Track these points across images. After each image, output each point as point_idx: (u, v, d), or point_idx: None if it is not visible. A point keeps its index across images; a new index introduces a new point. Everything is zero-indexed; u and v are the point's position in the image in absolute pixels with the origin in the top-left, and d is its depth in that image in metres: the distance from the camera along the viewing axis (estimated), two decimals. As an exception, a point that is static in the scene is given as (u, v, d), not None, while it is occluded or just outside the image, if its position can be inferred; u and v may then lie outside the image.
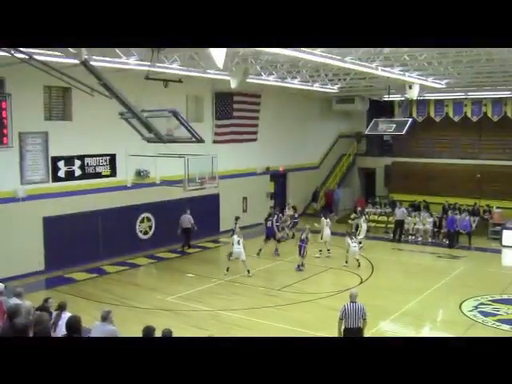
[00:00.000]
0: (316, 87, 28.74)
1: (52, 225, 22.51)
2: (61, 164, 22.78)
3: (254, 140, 32.42)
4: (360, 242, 26.39)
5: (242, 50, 18.53)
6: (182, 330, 15.13)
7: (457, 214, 28.83)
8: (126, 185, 24.30)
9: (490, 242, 29.13)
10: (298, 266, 23.36)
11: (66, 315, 10.98)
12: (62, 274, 22.26)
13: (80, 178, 23.53)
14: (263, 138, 32.78)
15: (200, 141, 15.59)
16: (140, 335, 9.89)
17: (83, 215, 23.53)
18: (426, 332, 17.11)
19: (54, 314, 11.71)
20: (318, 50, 17.05)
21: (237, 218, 24.85)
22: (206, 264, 24.45)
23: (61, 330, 10.72)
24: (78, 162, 23.39)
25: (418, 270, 23.85)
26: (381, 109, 36.05)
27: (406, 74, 23.43)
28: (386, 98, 31.18)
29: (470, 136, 36.56)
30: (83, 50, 13.02)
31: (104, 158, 24.40)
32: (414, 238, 29.79)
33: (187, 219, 26.56)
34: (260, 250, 25.61)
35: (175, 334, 10.21)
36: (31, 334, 8.72)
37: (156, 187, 24.89)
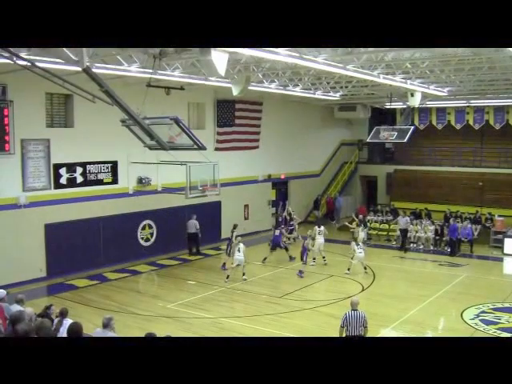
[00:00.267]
0: (318, 95, 28.76)
1: (53, 232, 22.52)
2: (62, 171, 22.79)
3: (256, 147, 32.44)
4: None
5: (243, 58, 18.55)
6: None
7: (458, 222, 28.81)
8: (127, 192, 24.32)
9: (492, 250, 29.08)
10: (300, 271, 23.41)
11: (68, 322, 10.98)
12: (63, 281, 22.26)
13: (82, 185, 23.54)
14: (265, 145, 32.80)
15: (202, 148, 15.60)
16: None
17: (85, 222, 23.55)
18: (428, 340, 17.08)
19: (56, 320, 11.71)
20: (320, 58, 17.06)
21: (234, 226, 24.83)
22: (208, 271, 24.42)
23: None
24: (79, 169, 23.41)
25: (419, 277, 23.78)
26: (383, 116, 36.14)
27: (408, 81, 23.43)
28: (388, 105, 31.20)
29: (472, 144, 36.54)
30: (85, 57, 13.04)
31: (106, 165, 24.42)
32: (415, 245, 29.74)
33: (193, 224, 26.77)
34: (265, 258, 25.76)
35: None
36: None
37: (157, 194, 24.90)
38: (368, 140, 29.97)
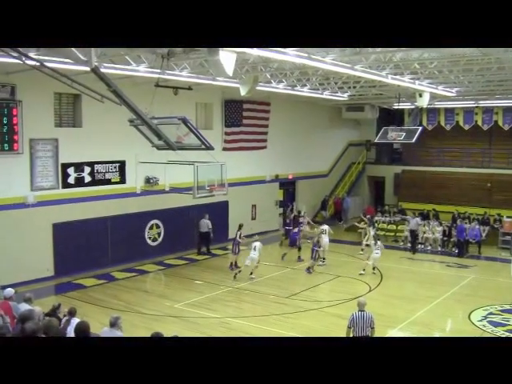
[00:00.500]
0: (326, 95, 28.73)
1: (61, 231, 22.58)
2: (71, 170, 22.86)
3: (264, 148, 32.43)
4: (363, 249, 27.43)
5: (251, 58, 18.55)
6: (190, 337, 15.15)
7: (466, 223, 28.74)
8: (135, 192, 24.33)
9: (500, 252, 28.97)
10: (308, 268, 23.72)
11: (75, 321, 11.00)
12: (70, 280, 22.31)
13: (89, 184, 23.60)
14: (272, 145, 32.79)
15: (209, 148, 15.59)
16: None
17: (92, 222, 23.61)
18: (435, 341, 17.03)
19: (64, 319, 11.74)
20: (328, 58, 17.05)
21: (240, 226, 24.84)
22: (215, 271, 24.43)
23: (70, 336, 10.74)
24: (87, 169, 23.47)
25: (426, 278, 23.71)
26: (391, 117, 36.07)
27: (417, 82, 23.38)
28: (396, 106, 31.19)
29: (480, 145, 36.39)
30: (93, 56, 13.05)
31: (114, 164, 24.48)
32: (423, 246, 29.69)
33: (205, 224, 27.02)
34: (285, 254, 26.35)
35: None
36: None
37: (165, 194, 24.91)
38: (376, 140, 29.90)
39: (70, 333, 10.74)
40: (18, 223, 21.18)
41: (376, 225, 30.90)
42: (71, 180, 22.93)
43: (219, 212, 28.90)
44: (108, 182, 24.35)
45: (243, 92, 21.29)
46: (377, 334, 13.26)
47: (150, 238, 26.47)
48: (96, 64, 13.65)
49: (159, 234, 26.88)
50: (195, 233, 27.55)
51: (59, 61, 15.45)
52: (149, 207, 25.82)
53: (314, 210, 36.82)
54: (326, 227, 25.98)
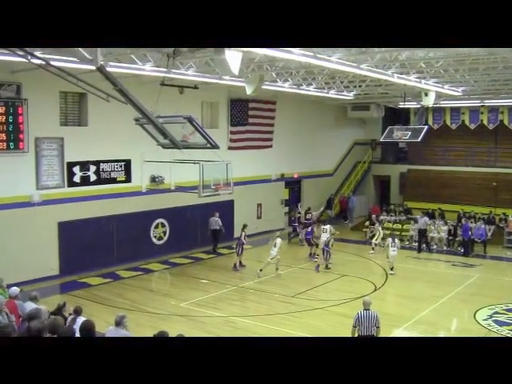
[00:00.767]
0: (331, 94, 28.72)
1: (67, 230, 22.61)
2: (76, 169, 22.88)
3: (269, 147, 32.43)
4: (373, 248, 27.66)
5: (257, 57, 18.54)
6: (196, 336, 15.16)
7: (472, 223, 28.71)
8: (140, 190, 24.32)
9: (506, 251, 28.95)
10: (317, 266, 24.12)
11: (81, 320, 11.01)
12: (76, 279, 22.33)
13: (95, 183, 23.62)
14: (278, 144, 32.78)
15: (215, 147, 15.60)
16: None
17: (98, 220, 23.63)
18: (440, 340, 17.01)
19: (69, 318, 11.76)
20: (333, 57, 17.04)
21: (244, 226, 24.84)
22: (220, 270, 24.43)
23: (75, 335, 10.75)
24: (93, 168, 23.49)
25: (432, 278, 23.67)
26: (396, 116, 36.03)
27: (422, 81, 23.35)
28: (402, 105, 31.13)
29: (486, 144, 36.31)
30: (99, 55, 13.06)
31: (119, 163, 24.50)
32: (426, 246, 29.63)
33: (215, 222, 27.09)
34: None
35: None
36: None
37: (171, 193, 24.91)
38: (381, 139, 29.87)
39: (76, 331, 10.76)
40: (23, 222, 21.21)
41: (382, 224, 30.94)
42: (77, 179, 22.96)
43: (225, 211, 28.88)
44: (113, 180, 24.37)
45: (249, 91, 21.29)
46: (382, 333, 13.25)
47: (155, 236, 26.49)
48: (102, 63, 13.67)
49: (165, 233, 26.90)
50: (199, 232, 27.61)
51: (65, 59, 15.49)
52: (154, 206, 25.84)
53: (319, 209, 36.75)
54: (327, 226, 25.97)
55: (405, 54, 18.20)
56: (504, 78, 23.94)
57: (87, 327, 9.67)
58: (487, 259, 27.39)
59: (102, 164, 23.82)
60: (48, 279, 21.75)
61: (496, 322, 17.86)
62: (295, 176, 34.84)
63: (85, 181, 23.24)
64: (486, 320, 18.00)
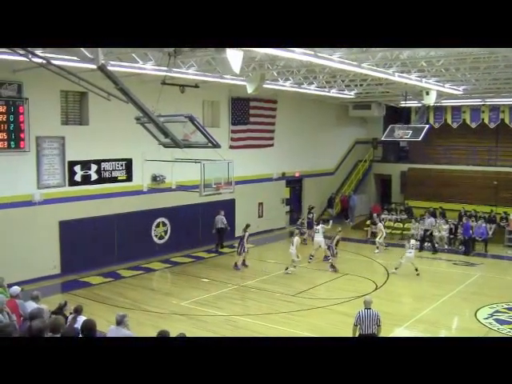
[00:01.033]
0: (333, 93, 28.73)
1: (68, 229, 22.61)
2: (77, 168, 22.88)
3: (271, 145, 32.43)
4: (378, 247, 27.76)
5: (258, 55, 18.54)
6: (197, 335, 15.17)
7: (473, 221, 28.71)
8: (141, 189, 24.31)
9: (507, 250, 28.93)
10: (333, 266, 24.11)
11: (82, 319, 11.01)
12: (77, 278, 22.33)
13: (96, 182, 23.62)
14: (279, 143, 32.78)
15: (216, 146, 15.62)
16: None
17: (99, 219, 23.62)
18: (442, 339, 17.01)
19: (70, 317, 11.75)
20: (334, 56, 17.03)
21: (247, 226, 24.80)
22: (221, 269, 24.42)
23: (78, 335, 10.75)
24: (94, 167, 23.48)
25: (433, 276, 23.66)
26: (397, 115, 35.97)
27: (423, 80, 23.36)
28: (403, 104, 31.11)
29: (487, 143, 36.33)
30: (100, 54, 13.08)
31: (120, 162, 24.50)
32: (428, 244, 29.63)
33: (220, 220, 27.15)
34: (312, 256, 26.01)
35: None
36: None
37: (172, 192, 24.89)
38: (383, 138, 29.90)
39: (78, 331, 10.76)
40: (24, 221, 21.21)
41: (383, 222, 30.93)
42: (78, 178, 22.96)
43: (226, 210, 28.85)
44: (115, 179, 24.37)
45: (250, 90, 21.28)
46: (383, 332, 13.26)
47: (156, 235, 26.50)
48: (103, 62, 13.69)
49: (166, 232, 26.90)
50: (200, 231, 27.70)
51: (66, 58, 15.51)
52: (155, 205, 25.84)
53: (321, 208, 36.76)
54: (319, 227, 25.97)
55: (406, 52, 18.20)
56: (505, 77, 23.93)
57: (88, 326, 9.68)
58: (488, 258, 27.38)
59: (103, 163, 23.82)
60: (49, 278, 21.75)
61: (497, 320, 17.86)
62: (296, 175, 34.83)
63: (86, 180, 23.24)
64: (486, 319, 17.99)
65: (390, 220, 32.56)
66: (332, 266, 24.00)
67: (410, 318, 18.09)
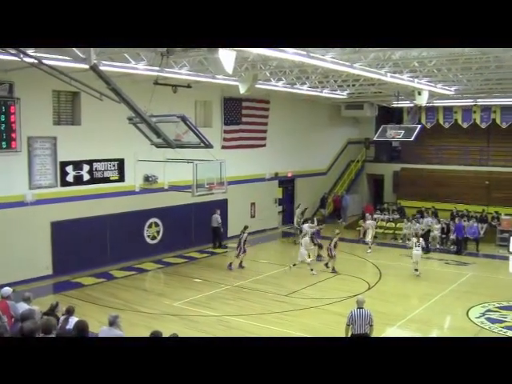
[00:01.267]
0: (325, 93, 28.75)
1: (60, 229, 22.54)
2: (69, 169, 22.82)
3: (263, 146, 32.43)
4: (370, 247, 27.90)
5: (251, 56, 18.53)
6: (190, 335, 15.16)
7: (465, 221, 28.79)
8: (134, 190, 24.28)
9: (498, 249, 29.06)
10: (333, 268, 24.03)
11: (73, 320, 10.99)
12: (69, 279, 22.27)
13: (88, 182, 23.55)
14: (272, 143, 32.77)
15: (208, 146, 15.59)
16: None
17: (91, 220, 23.54)
18: (434, 339, 17.05)
19: (62, 318, 11.72)
20: (327, 56, 17.04)
21: (245, 227, 24.76)
22: (214, 269, 24.42)
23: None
24: (86, 167, 23.42)
25: (425, 276, 23.67)
26: (390, 115, 36.02)
27: (415, 80, 23.40)
28: (395, 104, 31.17)
29: (478, 143, 36.45)
30: (92, 54, 13.05)
31: (112, 162, 24.45)
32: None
33: (215, 219, 27.35)
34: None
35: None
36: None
37: (164, 192, 24.86)
38: (375, 138, 29.89)
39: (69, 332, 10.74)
40: (16, 222, 21.13)
41: (375, 221, 30.97)
42: (70, 178, 22.89)
43: (219, 210, 28.89)
44: (107, 180, 24.31)
45: (242, 90, 21.29)
46: (375, 332, 13.29)
47: (148, 236, 26.45)
48: (95, 62, 13.66)
49: (158, 233, 26.86)
50: (193, 231, 27.73)
51: (58, 58, 15.45)
52: (148, 205, 25.78)
53: (313, 208, 36.77)
54: (305, 225, 25.98)
55: (398, 53, 18.23)
56: (496, 78, 24.01)
57: (80, 327, 9.66)
58: (480, 257, 27.47)
59: (95, 163, 23.75)
60: (41, 279, 21.68)
61: (488, 319, 17.94)
62: (289, 175, 34.83)
63: (78, 180, 23.17)
64: (478, 318, 18.07)
65: (382, 220, 32.61)
66: (332, 269, 24.00)
67: (402, 317, 18.14)
